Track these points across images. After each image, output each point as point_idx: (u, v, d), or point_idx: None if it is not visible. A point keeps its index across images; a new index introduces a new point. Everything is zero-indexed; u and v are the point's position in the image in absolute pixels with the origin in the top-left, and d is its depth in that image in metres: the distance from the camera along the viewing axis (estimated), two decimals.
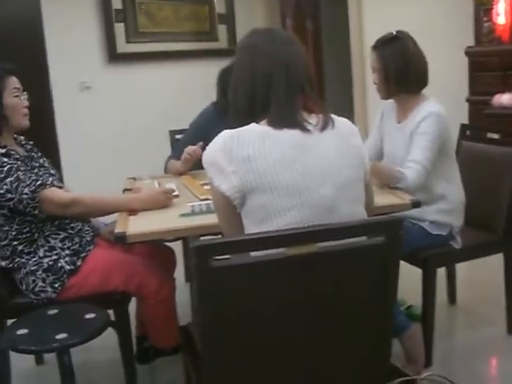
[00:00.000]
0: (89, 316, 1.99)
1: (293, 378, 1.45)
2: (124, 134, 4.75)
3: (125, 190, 2.64)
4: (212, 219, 1.87)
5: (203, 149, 1.58)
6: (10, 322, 2.11)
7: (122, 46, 4.83)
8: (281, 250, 1.31)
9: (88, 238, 2.34)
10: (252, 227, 1.49)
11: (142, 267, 2.31)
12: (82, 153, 4.61)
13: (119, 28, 4.81)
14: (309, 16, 7.05)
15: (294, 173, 1.46)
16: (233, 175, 1.45)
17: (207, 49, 5.57)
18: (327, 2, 7.03)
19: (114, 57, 4.78)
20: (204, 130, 2.79)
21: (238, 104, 1.62)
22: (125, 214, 2.16)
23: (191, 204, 2.14)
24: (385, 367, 1.54)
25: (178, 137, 3.43)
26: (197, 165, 2.80)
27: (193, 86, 5.39)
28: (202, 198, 2.31)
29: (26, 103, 2.32)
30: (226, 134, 1.50)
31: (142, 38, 4.99)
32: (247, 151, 1.45)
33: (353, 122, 1.65)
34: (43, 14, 4.33)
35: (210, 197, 2.26)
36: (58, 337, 1.85)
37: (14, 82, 2.27)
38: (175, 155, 3.02)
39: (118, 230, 1.95)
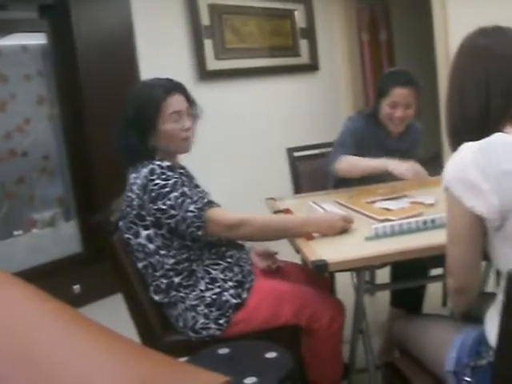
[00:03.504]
0: (269, 355, 1.75)
1: None
2: (221, 151, 4.55)
3: (276, 213, 2.40)
4: (406, 242, 1.80)
5: None
6: None
7: (212, 64, 4.66)
8: None
9: (248, 268, 2.11)
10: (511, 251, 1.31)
11: (314, 297, 2.05)
12: None
13: (208, 45, 4.65)
14: (382, 28, 6.89)
15: None
16: (490, 194, 1.27)
17: (291, 64, 5.40)
18: (399, 12, 6.92)
19: (204, 74, 4.60)
20: (355, 138, 2.70)
21: (465, 113, 1.42)
22: (303, 239, 1.92)
23: (374, 226, 1.90)
24: None
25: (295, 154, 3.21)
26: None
27: (280, 102, 5.21)
28: (380, 218, 2.06)
29: (187, 125, 2.07)
30: (473, 148, 1.31)
31: (229, 55, 4.82)
32: (504, 165, 1.27)
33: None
34: (135, 33, 4.17)
35: (391, 217, 2.03)
36: (248, 381, 1.61)
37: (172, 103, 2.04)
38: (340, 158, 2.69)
39: (313, 257, 1.71)
